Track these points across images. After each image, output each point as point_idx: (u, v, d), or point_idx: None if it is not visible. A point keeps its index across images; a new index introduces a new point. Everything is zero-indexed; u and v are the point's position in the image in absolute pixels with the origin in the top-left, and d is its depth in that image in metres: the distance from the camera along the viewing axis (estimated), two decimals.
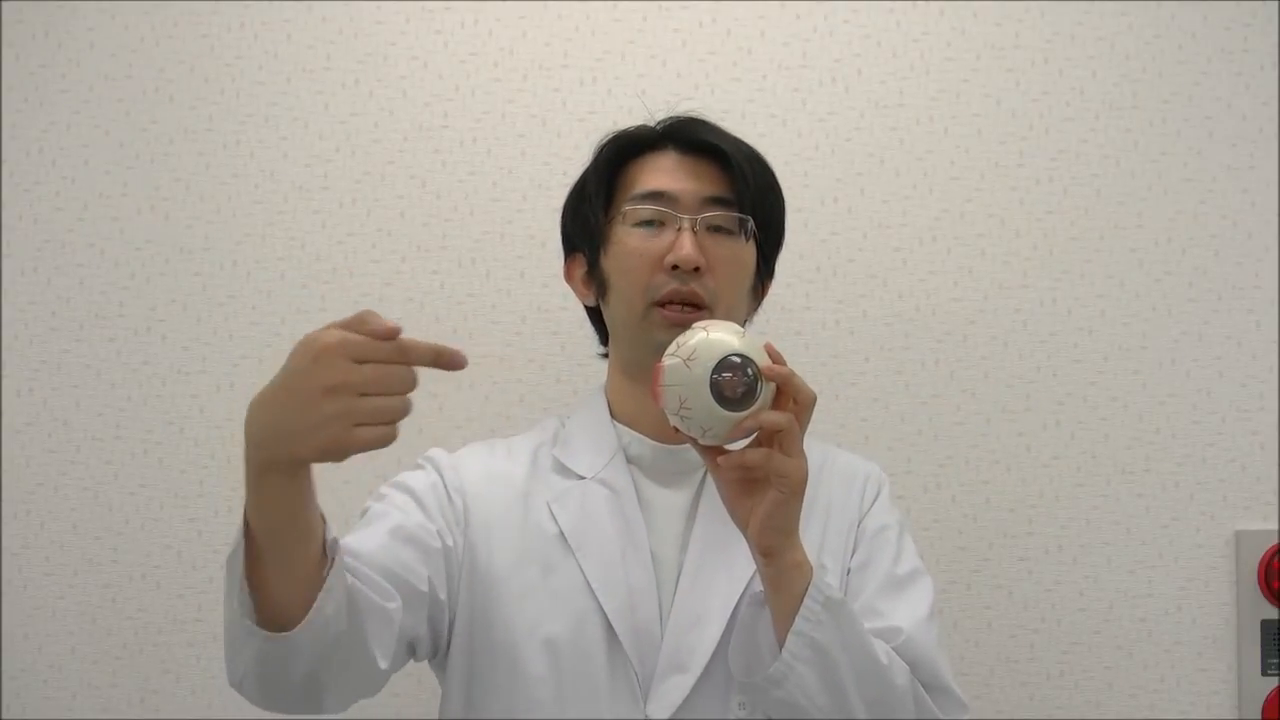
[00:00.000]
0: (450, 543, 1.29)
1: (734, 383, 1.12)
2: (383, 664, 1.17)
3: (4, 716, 1.72)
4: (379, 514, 1.29)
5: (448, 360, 1.01)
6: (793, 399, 1.15)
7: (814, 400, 1.15)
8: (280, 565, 1.06)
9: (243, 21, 1.77)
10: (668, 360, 1.15)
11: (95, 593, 1.74)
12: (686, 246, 1.29)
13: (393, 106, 1.76)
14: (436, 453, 1.39)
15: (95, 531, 1.74)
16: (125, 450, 1.74)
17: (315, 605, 1.06)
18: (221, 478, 1.74)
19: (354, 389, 0.96)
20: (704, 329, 1.15)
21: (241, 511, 1.06)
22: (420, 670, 1.40)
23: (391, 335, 0.98)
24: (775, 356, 1.15)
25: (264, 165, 1.76)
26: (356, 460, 1.76)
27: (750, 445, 1.16)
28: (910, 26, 1.75)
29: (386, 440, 0.99)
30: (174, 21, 1.77)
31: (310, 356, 0.96)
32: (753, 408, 1.13)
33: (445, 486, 1.33)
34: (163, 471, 1.74)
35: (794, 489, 1.14)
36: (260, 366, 1.74)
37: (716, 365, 1.12)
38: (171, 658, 1.73)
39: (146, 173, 1.76)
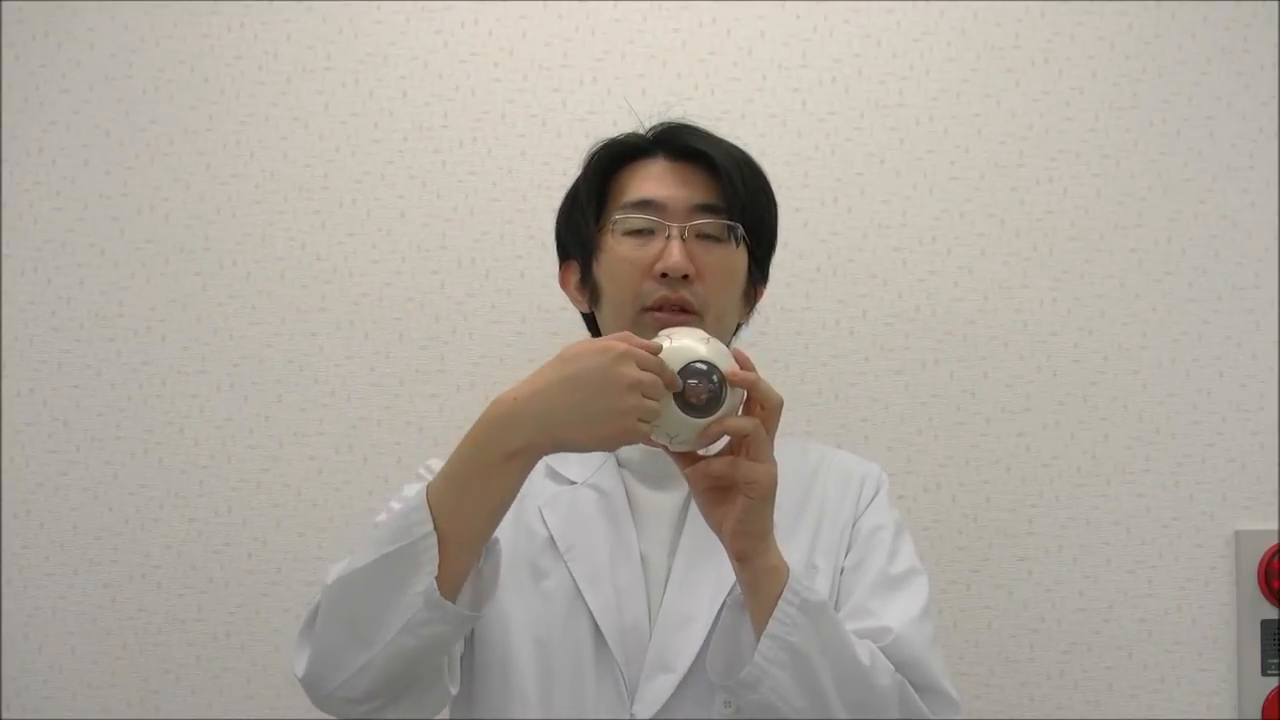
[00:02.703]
0: None
1: (698, 389, 1.13)
2: (452, 688, 1.22)
3: (4, 716, 1.72)
4: None
5: (670, 383, 1.13)
6: (760, 404, 1.15)
7: (781, 405, 1.16)
8: (465, 555, 1.14)
9: (243, 21, 1.77)
10: None
11: (95, 593, 1.74)
12: (675, 254, 1.30)
13: (393, 106, 1.76)
14: (436, 463, 1.39)
15: (95, 531, 1.74)
16: (125, 450, 1.74)
17: (482, 590, 1.17)
18: (221, 478, 1.74)
19: (644, 389, 1.10)
20: (669, 337, 1.16)
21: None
22: None
23: (656, 353, 1.13)
24: (743, 362, 1.16)
25: (264, 165, 1.76)
26: (355, 461, 1.76)
27: (722, 451, 1.17)
28: (910, 26, 1.75)
29: (648, 436, 1.13)
30: (174, 21, 1.77)
31: (610, 357, 1.10)
32: (718, 414, 1.13)
33: None
34: (163, 471, 1.74)
35: (763, 494, 1.15)
36: (260, 366, 1.74)
37: (680, 372, 1.13)
38: (171, 658, 1.73)
39: (146, 173, 1.76)
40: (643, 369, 1.11)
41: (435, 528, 1.11)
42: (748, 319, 1.44)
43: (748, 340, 1.40)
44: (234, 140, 1.76)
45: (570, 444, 1.12)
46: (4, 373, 1.75)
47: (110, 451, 1.74)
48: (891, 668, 1.22)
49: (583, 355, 1.12)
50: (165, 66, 1.77)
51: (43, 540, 1.74)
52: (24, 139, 1.77)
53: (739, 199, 1.34)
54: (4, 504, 1.74)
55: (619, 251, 1.33)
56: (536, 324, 1.73)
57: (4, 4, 1.76)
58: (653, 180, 1.35)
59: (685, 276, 1.30)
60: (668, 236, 1.31)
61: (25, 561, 1.74)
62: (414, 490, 1.34)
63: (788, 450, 1.19)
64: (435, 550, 1.11)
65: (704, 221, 1.33)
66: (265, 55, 1.76)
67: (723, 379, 1.13)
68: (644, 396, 1.10)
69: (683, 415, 1.13)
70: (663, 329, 1.21)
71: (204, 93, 1.76)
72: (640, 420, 1.10)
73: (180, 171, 1.76)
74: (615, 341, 1.12)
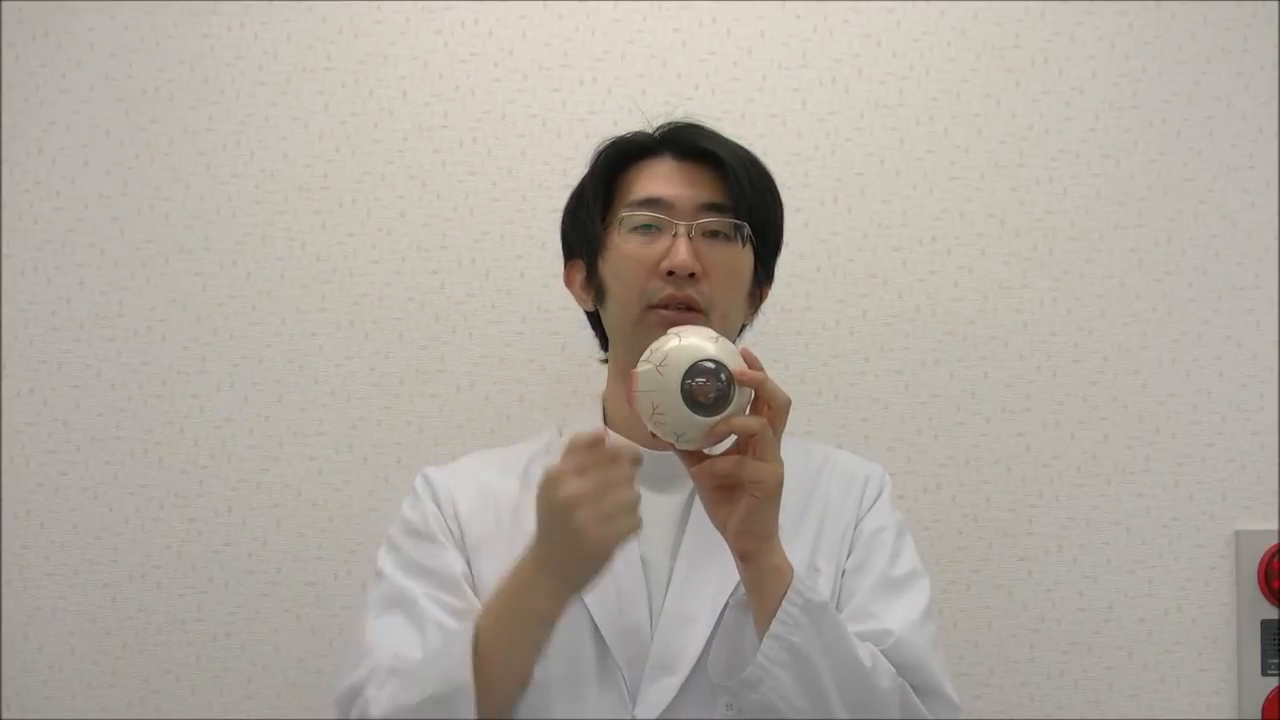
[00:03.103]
0: (463, 569, 1.31)
1: (706, 388, 1.13)
2: None
3: (4, 716, 1.72)
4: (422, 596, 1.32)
5: (635, 457, 1.15)
6: (767, 404, 1.16)
7: (788, 404, 1.16)
8: (510, 686, 1.20)
9: (243, 21, 1.76)
10: (641, 366, 1.16)
11: (95, 593, 1.74)
12: (681, 252, 1.30)
13: (393, 106, 1.76)
14: (431, 472, 1.39)
15: (95, 531, 1.74)
16: (125, 450, 1.74)
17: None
18: (221, 478, 1.74)
19: (591, 496, 1.11)
20: (677, 335, 1.16)
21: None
22: None
23: (598, 442, 1.13)
24: (751, 362, 1.16)
25: (264, 165, 1.76)
26: (355, 461, 1.76)
27: (729, 450, 1.17)
28: (910, 26, 1.75)
29: (638, 527, 1.14)
30: (174, 21, 1.77)
31: (552, 491, 1.13)
32: (725, 413, 1.14)
33: (443, 516, 1.35)
34: (163, 471, 1.74)
35: (768, 494, 1.15)
36: (260, 366, 1.74)
37: (688, 371, 1.13)
38: (171, 658, 1.73)
39: (146, 173, 1.76)
40: (584, 471, 1.12)
41: (481, 663, 1.16)
42: (752, 319, 1.44)
43: (748, 340, 1.40)
44: (234, 140, 1.76)
45: (580, 581, 1.16)
46: (4, 373, 1.75)
47: (110, 451, 1.74)
48: (893, 670, 1.22)
49: (536, 502, 1.15)
50: (165, 66, 1.77)
51: (43, 540, 1.74)
52: (24, 139, 1.76)
53: (746, 198, 1.34)
54: (4, 504, 1.74)
55: (625, 249, 1.33)
56: (536, 324, 1.73)
57: (4, 4, 1.76)
58: (660, 179, 1.35)
59: (692, 275, 1.30)
60: (674, 235, 1.31)
61: (25, 561, 1.74)
62: (416, 515, 1.34)
63: (790, 450, 1.19)
64: (472, 699, 1.15)
65: (711, 220, 1.33)
66: (265, 55, 1.76)
67: (730, 378, 1.14)
68: (598, 500, 1.11)
69: (690, 414, 1.13)
70: (670, 327, 1.21)
71: (204, 93, 1.76)
72: (609, 521, 1.11)
73: (180, 171, 1.76)
74: (548, 471, 1.14)
